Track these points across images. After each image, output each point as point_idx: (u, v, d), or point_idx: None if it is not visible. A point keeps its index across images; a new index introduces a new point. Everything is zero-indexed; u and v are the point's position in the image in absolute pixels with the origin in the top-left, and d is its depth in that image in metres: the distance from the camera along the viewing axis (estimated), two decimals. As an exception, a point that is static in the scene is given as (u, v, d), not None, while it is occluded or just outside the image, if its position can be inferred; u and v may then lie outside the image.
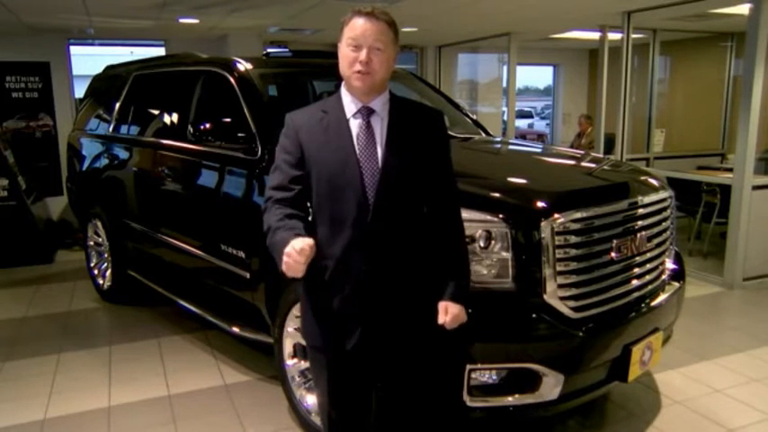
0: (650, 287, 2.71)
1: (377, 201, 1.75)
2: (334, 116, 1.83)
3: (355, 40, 1.75)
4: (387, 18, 1.78)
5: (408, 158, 1.80)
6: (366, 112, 1.81)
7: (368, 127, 1.80)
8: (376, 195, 1.75)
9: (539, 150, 3.99)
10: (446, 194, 1.89)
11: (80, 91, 6.49)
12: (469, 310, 2.24)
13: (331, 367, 1.89)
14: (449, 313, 1.83)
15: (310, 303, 1.88)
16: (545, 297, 2.32)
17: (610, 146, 6.87)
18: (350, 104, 1.83)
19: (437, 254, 1.86)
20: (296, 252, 1.58)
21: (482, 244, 2.29)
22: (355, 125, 1.81)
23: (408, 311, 1.85)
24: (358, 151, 1.77)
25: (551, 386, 2.33)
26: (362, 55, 1.74)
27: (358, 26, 1.75)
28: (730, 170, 5.47)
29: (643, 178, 2.95)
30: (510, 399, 2.34)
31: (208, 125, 3.12)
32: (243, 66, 3.42)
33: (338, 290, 1.80)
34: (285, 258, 1.61)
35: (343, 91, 1.85)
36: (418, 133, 1.85)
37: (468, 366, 2.28)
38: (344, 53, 1.78)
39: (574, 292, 2.37)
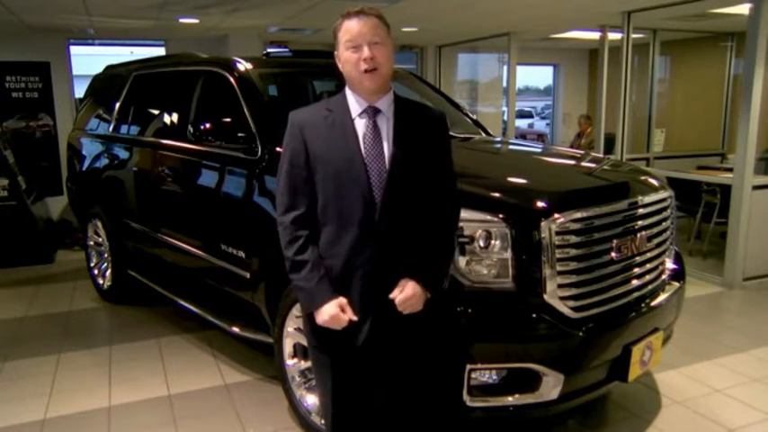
0: (650, 287, 2.71)
1: (384, 199, 1.76)
2: (339, 115, 1.83)
3: (353, 41, 1.76)
4: (376, 12, 1.80)
5: (415, 158, 1.81)
6: (372, 112, 1.82)
7: (374, 126, 1.81)
8: (383, 194, 1.76)
9: (539, 150, 3.98)
10: (447, 194, 1.90)
11: (80, 91, 6.49)
12: (469, 310, 2.27)
13: (335, 368, 1.89)
14: (403, 291, 1.78)
15: None
16: (545, 297, 2.32)
17: (610, 146, 6.87)
18: (355, 104, 1.83)
19: (426, 240, 1.85)
20: (341, 321, 1.78)
21: (482, 244, 2.29)
22: (361, 124, 1.81)
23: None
24: (364, 150, 1.78)
25: (551, 386, 2.33)
26: (365, 52, 1.75)
27: (352, 27, 1.77)
28: (730, 170, 5.46)
29: (643, 178, 2.95)
30: (510, 399, 2.34)
31: (208, 125, 3.12)
32: (243, 66, 3.42)
33: (345, 289, 1.80)
34: (326, 318, 1.79)
35: (348, 91, 1.86)
36: (423, 133, 1.86)
37: (468, 366, 2.27)
38: (346, 57, 1.79)
39: (574, 291, 2.37)
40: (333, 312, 1.77)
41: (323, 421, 2.48)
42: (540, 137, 14.96)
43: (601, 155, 5.20)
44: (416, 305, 1.81)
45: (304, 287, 1.82)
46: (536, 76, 27.96)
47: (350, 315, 1.79)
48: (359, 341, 1.82)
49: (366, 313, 1.81)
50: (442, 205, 1.89)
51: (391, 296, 1.79)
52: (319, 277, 1.80)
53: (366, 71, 1.76)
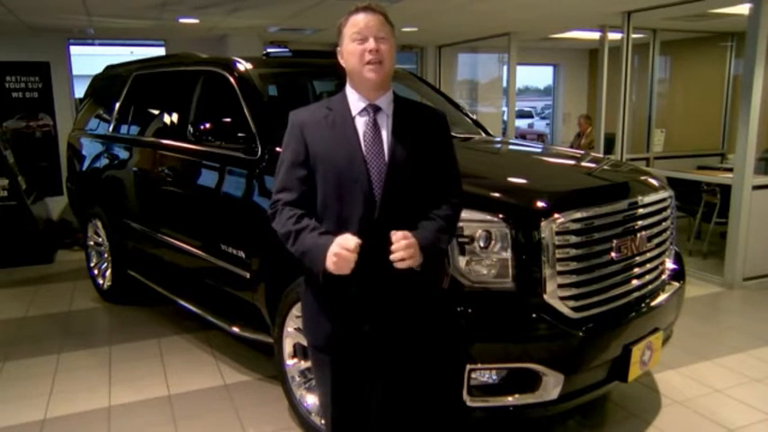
0: (650, 287, 2.71)
1: (384, 197, 1.76)
2: (340, 113, 1.84)
3: (360, 33, 1.78)
4: (382, 11, 1.83)
5: (414, 156, 1.81)
6: (372, 110, 1.82)
7: (374, 124, 1.81)
8: (383, 192, 1.76)
9: (539, 150, 3.98)
10: (452, 191, 1.90)
11: (80, 91, 6.49)
12: (469, 310, 2.27)
13: (334, 367, 1.89)
14: (404, 238, 1.69)
15: (315, 302, 1.88)
16: (545, 297, 2.32)
17: (610, 146, 6.87)
18: (356, 102, 1.83)
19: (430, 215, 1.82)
20: (349, 251, 1.67)
21: (482, 244, 2.29)
22: (361, 123, 1.82)
23: (414, 308, 1.85)
24: (364, 148, 1.78)
25: (551, 386, 2.33)
26: (371, 43, 1.76)
27: (360, 20, 1.78)
28: (730, 170, 5.47)
29: (643, 178, 2.95)
30: (510, 399, 2.34)
31: (208, 125, 3.12)
32: (243, 66, 3.42)
33: (345, 288, 1.80)
34: (334, 259, 1.68)
35: (349, 89, 1.86)
36: (423, 132, 1.86)
37: (468, 366, 2.27)
38: (351, 49, 1.79)
39: (574, 291, 2.37)
40: (335, 251, 1.67)
41: (323, 421, 2.48)
42: (540, 137, 14.96)
43: (601, 155, 5.20)
44: (410, 257, 1.70)
45: (308, 246, 1.75)
46: (536, 76, 27.93)
47: (354, 242, 1.67)
48: (358, 341, 1.82)
49: (366, 313, 1.81)
50: (446, 200, 1.88)
51: (390, 234, 1.70)
52: (320, 232, 1.76)
53: (370, 62, 1.76)
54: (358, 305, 1.81)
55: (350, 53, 1.80)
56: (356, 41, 1.78)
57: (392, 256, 1.71)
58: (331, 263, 1.69)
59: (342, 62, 1.85)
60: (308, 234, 1.77)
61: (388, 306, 1.81)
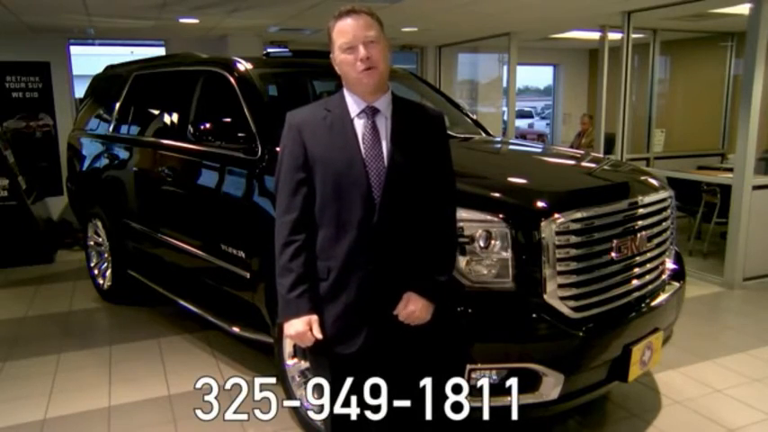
0: (650, 287, 2.71)
1: (383, 200, 1.75)
2: (338, 115, 1.83)
3: (348, 42, 1.76)
4: (368, 11, 1.80)
5: (413, 158, 1.80)
6: (371, 112, 1.81)
7: (373, 127, 1.80)
8: (382, 195, 1.75)
9: (539, 150, 3.99)
10: (445, 195, 1.90)
11: (80, 91, 6.49)
12: (469, 310, 2.27)
13: (334, 369, 1.88)
14: (407, 307, 1.81)
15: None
16: (545, 297, 2.32)
17: (610, 146, 6.88)
18: (354, 104, 1.82)
19: (425, 247, 1.85)
20: (307, 340, 1.81)
21: (482, 244, 2.29)
22: (360, 125, 1.81)
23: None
24: (363, 151, 1.77)
25: (551, 386, 2.33)
26: (361, 52, 1.74)
27: (346, 28, 1.77)
28: (730, 170, 5.47)
29: (643, 178, 2.95)
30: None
31: (208, 125, 3.12)
32: (243, 66, 3.42)
33: (343, 291, 1.80)
34: (292, 333, 1.82)
35: (346, 91, 1.86)
36: (421, 133, 1.85)
37: (468, 366, 2.27)
38: (342, 59, 1.79)
39: (574, 291, 2.37)
40: (300, 330, 1.79)
41: (323, 421, 2.48)
42: (541, 137, 14.95)
43: (601, 155, 5.20)
44: (422, 317, 1.83)
45: (283, 295, 1.83)
46: (536, 76, 27.94)
47: (317, 334, 1.80)
48: (357, 344, 1.81)
49: (364, 316, 1.81)
50: (440, 207, 1.88)
51: (395, 312, 1.80)
52: (300, 292, 1.80)
53: (362, 70, 1.75)
54: (357, 309, 1.81)
55: (342, 63, 1.80)
56: (346, 51, 1.77)
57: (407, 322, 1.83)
58: (287, 333, 1.84)
59: (336, 68, 1.84)
60: (290, 284, 1.80)
61: (387, 311, 1.81)
